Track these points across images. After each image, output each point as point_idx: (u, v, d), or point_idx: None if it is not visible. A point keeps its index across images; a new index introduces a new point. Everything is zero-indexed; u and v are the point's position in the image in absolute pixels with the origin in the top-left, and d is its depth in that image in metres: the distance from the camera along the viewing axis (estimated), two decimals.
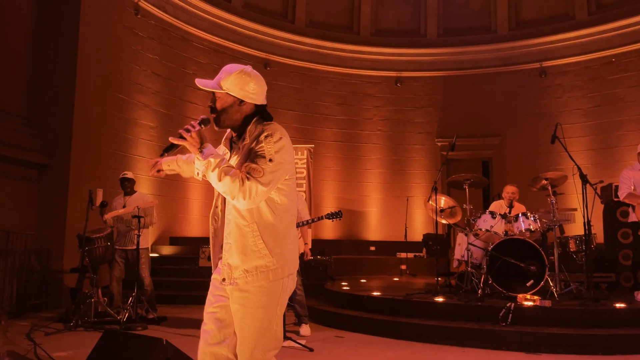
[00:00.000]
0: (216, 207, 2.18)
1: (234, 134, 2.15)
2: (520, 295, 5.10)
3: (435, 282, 5.89)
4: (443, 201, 6.05)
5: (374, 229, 11.26)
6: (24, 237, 6.35)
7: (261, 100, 2.11)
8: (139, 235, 5.54)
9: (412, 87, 11.58)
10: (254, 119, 2.06)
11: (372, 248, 10.71)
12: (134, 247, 5.62)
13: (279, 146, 1.95)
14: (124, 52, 8.62)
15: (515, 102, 10.98)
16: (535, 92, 10.88)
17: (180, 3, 9.57)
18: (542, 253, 5.30)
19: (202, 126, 1.96)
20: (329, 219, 5.07)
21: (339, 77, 11.49)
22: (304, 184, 9.80)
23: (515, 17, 11.27)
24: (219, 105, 2.05)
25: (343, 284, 7.34)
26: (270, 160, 1.92)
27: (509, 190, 6.24)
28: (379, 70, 11.53)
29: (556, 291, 5.24)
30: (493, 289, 5.50)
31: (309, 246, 5.53)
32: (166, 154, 2.05)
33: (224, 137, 2.24)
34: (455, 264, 6.34)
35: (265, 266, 1.97)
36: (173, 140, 1.93)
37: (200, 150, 1.91)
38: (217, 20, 10.23)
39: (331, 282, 7.76)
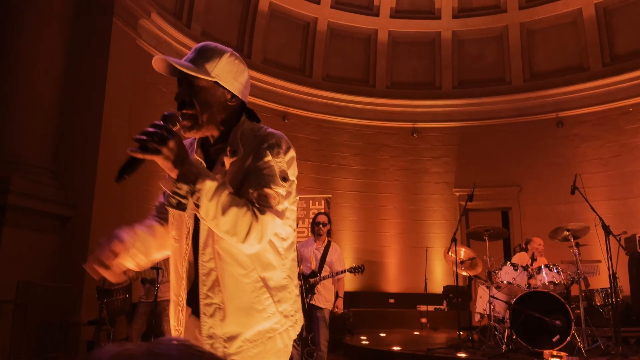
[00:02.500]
0: (180, 246, 1.51)
1: (211, 141, 1.53)
2: (546, 352, 4.93)
3: (457, 336, 5.73)
4: (463, 252, 5.97)
5: (393, 280, 11.09)
6: (43, 289, 6.38)
7: (247, 97, 1.59)
8: (157, 287, 5.54)
9: (429, 137, 11.68)
10: (241, 122, 1.52)
11: (392, 300, 10.51)
12: (150, 300, 5.62)
13: (289, 158, 1.48)
14: (147, 106, 8.91)
15: (533, 152, 10.97)
16: (552, 142, 10.88)
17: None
18: (568, 307, 5.15)
19: (172, 127, 1.32)
20: (352, 272, 5.02)
21: (355, 128, 11.66)
22: None
23: (530, 69, 11.43)
24: (200, 100, 1.44)
25: (362, 338, 7.17)
26: (284, 179, 1.42)
27: (536, 241, 6.14)
28: (395, 121, 11.69)
29: (583, 347, 5.05)
30: (517, 345, 5.33)
31: (342, 299, 5.31)
32: (126, 176, 1.29)
33: (190, 145, 1.58)
34: (477, 317, 6.18)
35: (273, 330, 1.44)
36: (135, 154, 1.27)
37: (182, 166, 1.29)
38: None
39: (350, 336, 7.59)
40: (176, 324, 1.52)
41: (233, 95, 1.50)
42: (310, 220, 9.49)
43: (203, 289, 1.43)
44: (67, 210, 7.15)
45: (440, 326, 9.18)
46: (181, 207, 1.30)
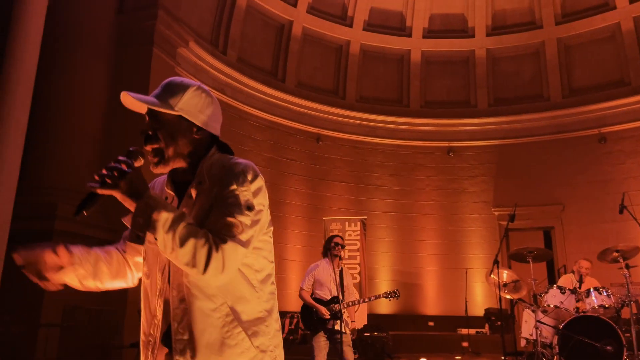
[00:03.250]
0: (153, 282, 1.48)
1: (178, 177, 1.52)
2: None
3: None
4: (506, 275, 5.80)
5: (432, 302, 10.86)
6: (87, 312, 6.53)
7: (219, 129, 1.55)
8: None
9: (465, 156, 11.52)
10: (210, 154, 1.50)
11: (431, 323, 10.28)
12: None
13: (256, 187, 1.42)
14: None
15: (575, 170, 10.66)
16: (595, 159, 10.56)
17: (238, 85, 10.14)
18: (619, 331, 4.92)
19: (133, 162, 1.35)
20: (387, 297, 4.93)
21: (389, 149, 11.62)
22: (358, 256, 9.69)
23: (568, 84, 11.19)
24: (165, 134, 1.44)
25: None
26: (249, 208, 1.38)
27: (583, 265, 5.92)
28: (430, 140, 11.60)
29: None
30: None
31: (356, 324, 5.21)
32: (84, 211, 1.30)
33: (159, 182, 1.61)
34: (523, 342, 5.96)
35: (252, 358, 1.40)
36: (95, 189, 1.28)
37: (141, 200, 1.29)
38: (272, 100, 10.72)
39: None
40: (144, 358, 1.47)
41: (199, 128, 1.49)
42: (346, 241, 9.49)
43: (174, 325, 1.39)
44: (109, 235, 7.33)
45: (482, 350, 8.90)
46: (139, 240, 1.30)
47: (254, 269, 1.44)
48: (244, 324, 1.40)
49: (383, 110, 11.61)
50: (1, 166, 2.94)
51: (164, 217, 1.26)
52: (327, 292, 4.96)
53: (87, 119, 7.41)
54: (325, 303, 4.88)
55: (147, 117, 1.50)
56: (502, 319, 7.78)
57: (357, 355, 7.07)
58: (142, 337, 1.51)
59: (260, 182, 1.45)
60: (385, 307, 10.63)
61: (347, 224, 9.75)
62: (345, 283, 5.03)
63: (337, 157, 11.31)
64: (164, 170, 1.49)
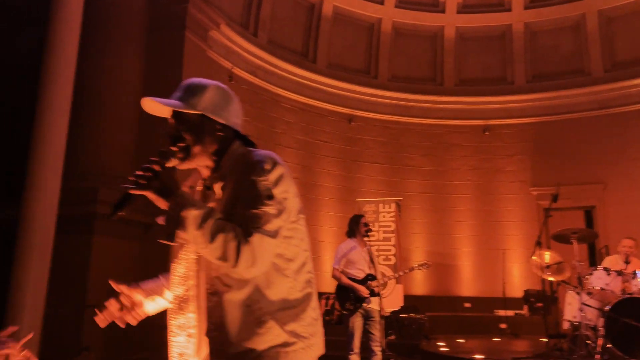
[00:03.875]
0: (186, 277, 1.53)
1: (206, 172, 1.56)
2: None
3: (546, 345, 5.44)
4: (548, 256, 5.66)
5: (468, 283, 10.74)
6: None
7: (239, 124, 1.58)
8: None
9: (501, 135, 11.23)
10: (233, 149, 1.53)
11: (467, 304, 10.18)
12: None
13: (276, 175, 1.43)
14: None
15: (618, 147, 10.27)
16: (639, 135, 10.14)
17: (270, 67, 10.09)
18: None
19: (164, 163, 1.40)
20: (419, 269, 4.94)
21: (423, 128, 11.42)
22: (392, 238, 9.62)
23: (610, 58, 10.73)
24: (191, 134, 1.48)
25: (440, 344, 6.98)
26: (270, 197, 1.38)
27: (626, 244, 5.72)
28: (465, 119, 11.33)
29: None
30: (612, 354, 4.97)
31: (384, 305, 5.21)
32: (119, 212, 1.36)
33: (188, 181, 1.65)
34: (566, 325, 5.83)
35: (277, 352, 1.41)
36: (129, 189, 1.34)
37: (173, 199, 1.33)
38: (304, 81, 10.63)
39: (426, 341, 7.41)
40: (173, 348, 1.57)
41: (222, 125, 1.52)
42: (381, 224, 9.44)
43: (208, 316, 1.45)
44: (148, 218, 7.46)
45: (521, 332, 8.76)
46: (170, 238, 1.32)
47: (285, 257, 1.45)
48: (275, 313, 1.41)
49: (416, 89, 11.38)
50: (47, 154, 2.99)
51: (192, 215, 1.30)
52: (360, 271, 4.97)
53: (123, 105, 7.50)
54: (361, 282, 4.89)
55: (170, 119, 1.54)
56: (544, 301, 7.63)
57: (393, 337, 7.07)
58: (171, 320, 1.61)
59: (280, 170, 1.44)
60: (421, 288, 10.58)
61: (381, 205, 9.66)
62: (374, 260, 5.05)
63: (370, 138, 11.19)
64: (189, 166, 1.53)
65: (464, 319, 9.38)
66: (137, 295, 1.63)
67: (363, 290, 4.82)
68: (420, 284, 10.55)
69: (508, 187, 11.03)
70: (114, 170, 7.24)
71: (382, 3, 11.23)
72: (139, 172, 1.35)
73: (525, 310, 9.31)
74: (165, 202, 1.33)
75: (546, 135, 10.87)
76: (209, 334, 1.44)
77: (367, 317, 4.87)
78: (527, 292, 9.44)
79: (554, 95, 10.86)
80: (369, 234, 5.00)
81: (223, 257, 1.30)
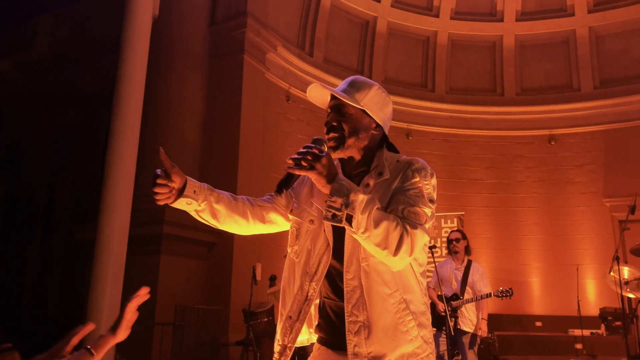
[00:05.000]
0: (311, 260, 1.55)
1: (347, 168, 1.62)
2: None
3: None
4: (627, 272, 5.30)
5: (538, 301, 10.22)
6: (196, 311, 6.88)
7: (388, 129, 1.67)
8: None
9: (569, 144, 10.73)
10: (382, 150, 1.61)
11: (539, 324, 9.68)
12: None
13: (434, 184, 1.53)
14: (278, 136, 9.32)
15: None
16: None
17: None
18: None
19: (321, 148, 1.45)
20: (499, 297, 4.71)
21: (485, 140, 11.11)
22: None
23: None
24: (348, 126, 1.56)
25: None
26: (431, 201, 1.47)
27: None
28: (528, 129, 10.93)
29: None
30: None
31: (485, 321, 5.01)
32: (284, 189, 1.46)
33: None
34: None
35: (415, 354, 1.45)
36: (293, 169, 1.40)
37: (338, 183, 1.37)
38: None
39: None
40: (283, 338, 1.57)
41: (377, 125, 1.60)
42: (443, 240, 9.21)
43: (348, 307, 1.45)
44: (213, 237, 7.68)
45: (598, 353, 8.22)
46: (336, 219, 1.34)
47: (418, 262, 1.51)
48: (413, 314, 1.45)
49: (476, 101, 11.12)
50: (119, 177, 3.15)
51: (360, 198, 1.34)
52: (448, 289, 4.89)
53: (187, 128, 7.81)
54: (446, 300, 4.77)
55: (329, 111, 1.61)
56: (623, 319, 7.13)
57: (459, 357, 6.82)
58: (281, 311, 1.61)
59: (435, 179, 1.54)
60: (489, 306, 10.16)
61: (442, 220, 9.45)
62: (470, 280, 4.89)
63: (429, 152, 11.00)
64: (340, 155, 1.58)
65: (535, 339, 8.92)
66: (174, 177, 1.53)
67: (440, 309, 4.71)
68: (489, 301, 10.14)
69: (578, 199, 10.48)
70: None
71: (437, 16, 11.12)
72: (299, 155, 1.38)
73: (602, 330, 8.74)
74: (327, 185, 1.37)
75: (618, 143, 10.27)
76: (350, 317, 1.44)
77: (453, 337, 4.71)
78: (603, 310, 8.86)
79: (625, 100, 10.28)
80: (432, 250, 4.90)
81: (383, 244, 1.33)
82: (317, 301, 1.61)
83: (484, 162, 11.02)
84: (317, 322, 1.63)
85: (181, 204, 1.56)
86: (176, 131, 7.66)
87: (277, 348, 1.59)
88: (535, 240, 10.55)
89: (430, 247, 4.95)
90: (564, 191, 10.58)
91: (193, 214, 1.62)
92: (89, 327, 1.72)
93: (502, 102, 11.12)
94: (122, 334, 1.66)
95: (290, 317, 1.57)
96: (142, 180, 7.12)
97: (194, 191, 1.56)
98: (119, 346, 3.67)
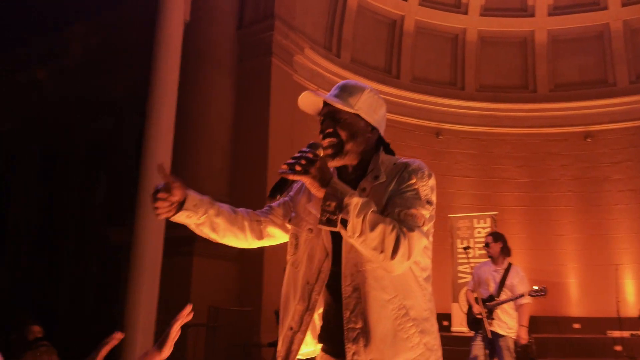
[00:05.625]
0: (312, 269, 1.53)
1: (349, 170, 1.59)
2: None
3: None
4: None
5: (576, 303, 9.95)
6: (228, 312, 6.93)
7: (383, 130, 1.64)
8: None
9: (606, 140, 10.41)
10: (378, 153, 1.59)
11: (576, 325, 9.42)
12: None
13: (432, 184, 1.50)
14: (306, 136, 9.29)
15: None
16: None
17: None
18: None
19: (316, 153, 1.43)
20: (532, 296, 4.59)
21: (517, 138, 10.88)
22: None
23: None
24: (345, 131, 1.53)
25: None
26: (429, 202, 1.45)
27: None
28: (562, 126, 10.66)
29: None
30: None
31: (525, 328, 4.86)
32: (278, 195, 1.42)
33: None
34: None
35: (421, 355, 1.41)
36: (286, 175, 1.39)
37: (332, 187, 1.35)
38: (387, 97, 10.52)
39: None
40: (284, 349, 1.54)
41: (372, 127, 1.58)
42: (476, 240, 9.06)
43: (346, 314, 1.42)
44: None
45: (638, 355, 7.95)
46: (331, 223, 1.32)
47: (420, 266, 1.46)
48: (414, 320, 1.41)
49: (507, 98, 10.91)
50: (153, 180, 3.18)
51: (354, 201, 1.32)
52: (485, 291, 4.82)
53: (218, 131, 7.89)
54: (483, 302, 4.69)
55: (322, 118, 1.60)
56: None
57: (496, 359, 6.68)
58: (282, 322, 1.58)
59: (434, 180, 1.51)
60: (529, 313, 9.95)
61: (475, 220, 9.28)
62: (508, 282, 4.78)
63: (459, 151, 10.84)
64: (338, 163, 1.55)
65: (573, 341, 8.68)
66: (176, 192, 1.51)
67: (476, 311, 4.63)
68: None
69: (616, 197, 10.16)
70: (211, 194, 7.55)
71: (465, 13, 10.96)
72: (293, 160, 1.38)
73: None
74: (322, 189, 1.36)
75: None
76: (349, 324, 1.42)
77: (490, 341, 4.62)
78: None
79: None
80: (466, 251, 4.84)
81: (380, 248, 1.31)
82: (320, 310, 1.58)
83: (516, 161, 10.80)
84: (319, 331, 1.59)
85: (181, 217, 1.55)
86: (206, 134, 7.74)
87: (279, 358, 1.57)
88: (571, 240, 10.27)
89: (464, 248, 4.89)
90: (601, 189, 10.27)
91: (193, 227, 1.61)
92: (118, 337, 1.74)
93: (535, 98, 10.88)
94: (167, 352, 1.69)
95: (292, 328, 1.55)
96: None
97: (194, 204, 1.56)
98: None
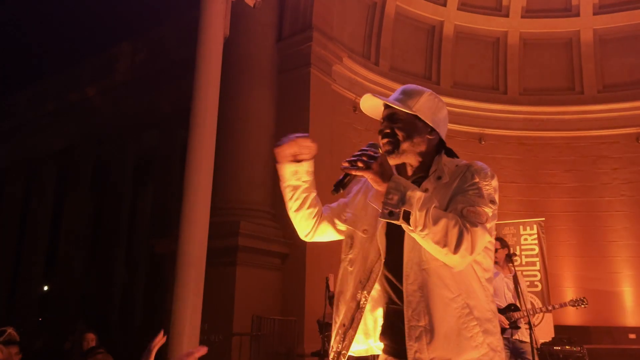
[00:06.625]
0: (364, 269, 1.57)
1: (409, 171, 1.63)
2: None
3: None
4: None
5: (632, 312, 9.49)
6: (272, 322, 6.99)
7: (445, 133, 1.68)
8: None
9: None
10: (441, 155, 1.62)
11: (632, 336, 8.97)
12: None
13: (495, 184, 1.51)
14: (346, 146, 9.32)
15: None
16: None
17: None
18: None
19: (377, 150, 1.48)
20: (574, 306, 4.46)
21: (564, 142, 10.53)
22: (537, 262, 8.88)
23: None
24: (402, 131, 1.58)
25: None
26: (492, 202, 1.44)
27: None
28: (613, 128, 10.24)
29: None
30: None
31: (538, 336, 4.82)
32: (341, 189, 1.49)
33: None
34: None
35: (484, 355, 1.41)
36: (349, 170, 1.44)
37: (394, 182, 1.39)
38: None
39: None
40: (334, 343, 1.60)
41: (432, 130, 1.61)
42: (523, 248, 8.81)
43: (408, 312, 1.44)
44: (286, 248, 7.79)
45: None
46: (393, 216, 1.35)
47: (482, 267, 1.47)
48: (478, 320, 1.41)
49: (552, 101, 10.60)
50: (197, 191, 3.28)
51: (417, 195, 1.35)
52: (502, 300, 4.72)
53: (259, 142, 8.02)
54: (502, 311, 4.58)
55: (383, 120, 1.64)
56: None
57: None
58: (335, 319, 1.63)
59: (497, 181, 1.52)
60: (573, 317, 9.57)
61: (521, 227, 9.02)
62: (521, 289, 4.68)
63: (503, 156, 10.59)
64: (396, 160, 1.59)
65: (629, 352, 8.27)
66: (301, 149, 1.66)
67: (502, 321, 4.52)
68: (573, 312, 9.55)
69: None
70: (254, 204, 7.72)
71: (507, 15, 10.75)
72: (355, 157, 1.43)
73: None
74: (384, 184, 1.39)
75: None
76: (411, 322, 1.43)
77: (515, 350, 4.53)
78: None
79: None
80: (512, 258, 4.71)
81: (443, 242, 1.32)
82: (379, 310, 1.62)
83: (563, 165, 10.45)
84: (380, 330, 1.63)
85: (289, 169, 1.66)
86: (248, 145, 7.88)
87: (331, 355, 1.61)
88: (625, 247, 9.82)
89: (509, 255, 4.77)
90: None
91: (287, 186, 1.70)
92: (163, 337, 1.80)
93: (582, 100, 10.52)
94: None
95: (344, 325, 1.59)
96: (217, 193, 7.41)
97: (307, 171, 1.68)
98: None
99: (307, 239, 1.82)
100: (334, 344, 1.61)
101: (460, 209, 1.40)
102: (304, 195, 1.70)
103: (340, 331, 1.60)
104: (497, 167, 10.40)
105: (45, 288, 16.79)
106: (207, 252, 3.41)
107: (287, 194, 1.71)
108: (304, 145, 1.63)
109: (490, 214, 1.42)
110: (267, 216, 7.81)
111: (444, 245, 1.33)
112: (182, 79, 7.52)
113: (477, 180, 1.47)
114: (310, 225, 1.75)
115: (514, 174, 10.48)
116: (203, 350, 1.68)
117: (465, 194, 1.45)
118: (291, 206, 1.72)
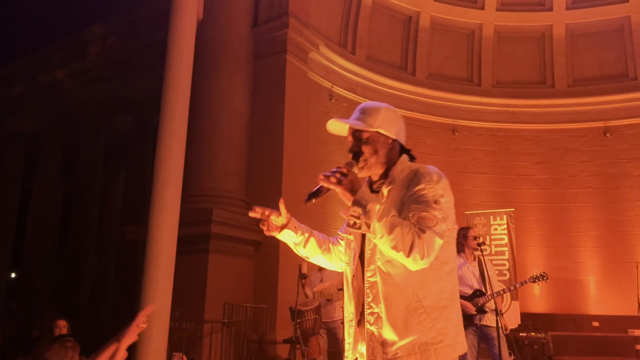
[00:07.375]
0: (353, 268, 1.84)
1: (373, 180, 1.87)
2: None
3: None
4: None
5: (595, 300, 9.81)
6: (244, 309, 6.99)
7: (404, 139, 1.89)
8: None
9: (626, 136, 10.23)
10: (401, 160, 1.83)
11: (596, 324, 9.27)
12: (334, 319, 5.84)
13: (443, 187, 1.69)
14: (321, 134, 9.33)
15: None
16: None
17: (368, 83, 10.14)
18: None
19: (350, 169, 1.71)
20: (534, 282, 4.61)
21: (535, 134, 10.74)
22: (506, 252, 9.09)
23: None
24: (368, 147, 1.80)
25: None
26: (437, 203, 1.63)
27: None
28: (581, 122, 10.49)
29: None
30: None
31: (506, 322, 4.99)
32: (314, 199, 1.69)
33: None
34: None
35: (427, 344, 1.61)
36: (324, 183, 1.65)
37: (360, 195, 1.61)
38: (403, 94, 10.51)
39: None
40: (346, 336, 1.81)
41: (393, 140, 1.83)
42: (493, 237, 8.99)
43: (367, 300, 1.69)
44: (259, 236, 7.78)
45: None
46: (356, 226, 1.59)
47: (440, 260, 1.65)
48: (427, 308, 1.62)
49: (525, 94, 10.78)
50: (168, 178, 3.23)
51: (376, 208, 1.56)
52: (468, 287, 4.81)
53: (232, 129, 7.94)
54: (468, 298, 4.68)
55: (350, 137, 1.86)
56: None
57: (512, 357, 6.65)
58: (345, 314, 1.86)
59: (445, 182, 1.71)
60: (540, 305, 9.85)
61: (491, 217, 9.20)
62: (489, 274, 4.77)
63: (476, 148, 10.75)
64: (367, 174, 1.84)
65: (593, 339, 8.55)
66: (278, 217, 1.92)
67: (470, 307, 4.62)
68: (539, 300, 9.83)
69: (637, 193, 9.98)
70: (227, 192, 7.66)
71: (482, 8, 10.84)
72: (330, 173, 1.64)
73: None
74: (352, 197, 1.60)
75: None
76: (368, 310, 1.68)
77: (484, 336, 4.64)
78: None
79: None
80: (481, 247, 4.80)
81: (397, 248, 1.54)
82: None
83: (534, 157, 10.67)
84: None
85: (283, 235, 1.94)
86: (221, 132, 7.80)
87: (346, 347, 1.82)
88: (590, 237, 10.12)
89: (479, 244, 4.85)
90: (621, 185, 10.10)
91: (292, 246, 2.00)
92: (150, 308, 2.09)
93: (553, 94, 10.73)
94: (128, 340, 2.00)
95: (352, 320, 1.81)
96: (189, 180, 7.32)
97: (295, 227, 1.95)
98: (170, 342, 3.79)
99: (338, 263, 2.08)
100: (348, 339, 1.83)
101: (411, 216, 1.60)
102: (310, 243, 1.99)
103: (350, 326, 1.82)
104: (469, 158, 10.56)
105: (13, 275, 16.40)
106: (180, 240, 3.38)
107: (298, 251, 2.02)
108: (277, 216, 1.91)
109: (440, 217, 1.60)
110: (241, 204, 7.77)
111: (399, 250, 1.54)
112: (155, 63, 7.38)
113: (422, 185, 1.66)
114: (332, 258, 2.03)
115: (486, 165, 10.66)
116: (150, 309, 1.99)
117: (415, 200, 1.64)
118: (308, 255, 2.01)
